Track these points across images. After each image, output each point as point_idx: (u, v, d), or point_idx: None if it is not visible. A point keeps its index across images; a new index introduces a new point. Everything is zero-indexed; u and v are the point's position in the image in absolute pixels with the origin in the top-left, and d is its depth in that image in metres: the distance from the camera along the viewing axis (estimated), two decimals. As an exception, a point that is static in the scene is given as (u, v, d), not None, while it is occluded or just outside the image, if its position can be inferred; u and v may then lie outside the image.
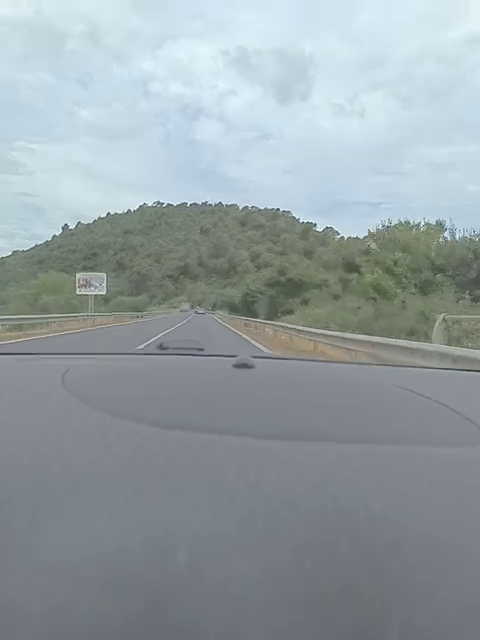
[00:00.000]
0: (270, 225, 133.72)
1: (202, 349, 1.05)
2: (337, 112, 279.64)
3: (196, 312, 67.27)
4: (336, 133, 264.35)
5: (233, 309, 46.46)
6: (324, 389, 0.70)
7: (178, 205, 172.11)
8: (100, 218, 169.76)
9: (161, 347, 1.03)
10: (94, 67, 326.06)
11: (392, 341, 6.06)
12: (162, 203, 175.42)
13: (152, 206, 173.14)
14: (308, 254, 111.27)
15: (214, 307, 71.77)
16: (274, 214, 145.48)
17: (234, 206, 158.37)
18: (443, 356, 4.51)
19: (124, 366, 0.88)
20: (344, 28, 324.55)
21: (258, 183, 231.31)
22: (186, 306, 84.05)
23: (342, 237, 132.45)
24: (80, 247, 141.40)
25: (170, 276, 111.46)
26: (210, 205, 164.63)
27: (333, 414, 0.54)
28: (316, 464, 0.38)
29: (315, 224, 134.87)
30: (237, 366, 0.73)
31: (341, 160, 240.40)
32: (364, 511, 0.31)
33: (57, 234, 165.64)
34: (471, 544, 0.28)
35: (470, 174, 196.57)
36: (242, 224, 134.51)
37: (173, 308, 78.70)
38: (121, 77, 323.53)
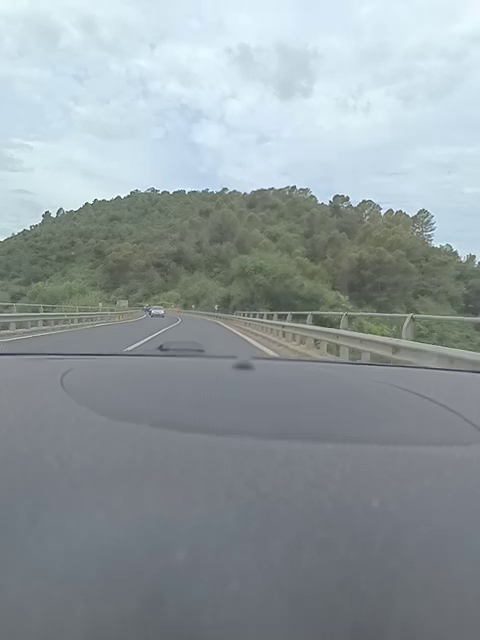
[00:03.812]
0: (287, 203, 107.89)
1: (202, 350, 1.06)
2: (338, 110, 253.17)
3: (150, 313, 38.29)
4: (337, 132, 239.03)
5: (274, 304, 22.22)
6: (323, 390, 0.71)
7: (175, 192, 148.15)
8: (86, 204, 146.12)
9: (161, 348, 1.04)
10: (92, 64, 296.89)
11: None
12: (157, 190, 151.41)
13: (145, 192, 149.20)
14: (349, 233, 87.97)
15: (229, 305, 38.01)
16: (289, 194, 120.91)
17: (240, 193, 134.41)
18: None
19: (123, 367, 0.88)
20: (346, 22, 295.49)
21: (258, 184, 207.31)
22: (124, 303, 56.32)
23: (390, 210, 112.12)
24: (58, 235, 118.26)
25: (158, 265, 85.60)
26: (211, 192, 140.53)
27: (332, 414, 0.55)
28: (314, 463, 0.38)
29: (348, 197, 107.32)
30: (237, 367, 0.74)
31: (341, 159, 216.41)
32: (362, 509, 0.31)
33: (38, 223, 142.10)
34: (469, 542, 0.29)
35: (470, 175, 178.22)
36: (251, 206, 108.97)
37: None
38: (120, 75, 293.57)
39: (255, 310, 24.97)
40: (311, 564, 0.25)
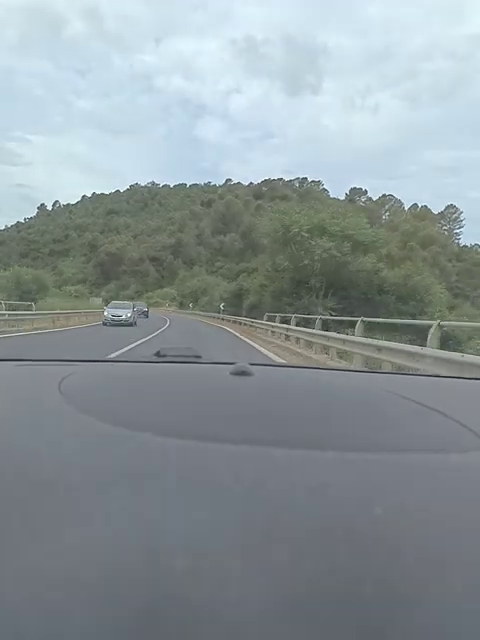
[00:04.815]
0: (298, 194, 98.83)
1: (200, 356, 1.05)
2: (345, 110, 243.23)
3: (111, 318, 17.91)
4: (344, 132, 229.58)
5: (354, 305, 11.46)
6: (322, 397, 0.71)
7: (176, 186, 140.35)
8: (83, 197, 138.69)
9: (158, 354, 1.04)
10: (95, 57, 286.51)
11: None
12: (157, 184, 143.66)
13: (145, 186, 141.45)
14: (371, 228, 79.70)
15: (242, 304, 25.04)
16: (300, 185, 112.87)
17: (245, 185, 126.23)
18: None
19: (121, 373, 0.88)
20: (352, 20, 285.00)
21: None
22: (97, 301, 45.23)
23: (415, 204, 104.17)
24: (52, 228, 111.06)
25: (154, 259, 78.09)
26: (214, 186, 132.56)
27: (331, 422, 0.54)
28: (314, 471, 0.38)
29: (366, 191, 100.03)
30: (235, 374, 0.73)
31: (344, 159, 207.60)
32: (363, 517, 0.31)
33: (32, 215, 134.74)
34: (469, 549, 0.29)
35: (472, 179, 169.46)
36: (257, 197, 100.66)
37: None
38: (122, 68, 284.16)
39: (306, 311, 14.86)
40: (312, 571, 0.25)
